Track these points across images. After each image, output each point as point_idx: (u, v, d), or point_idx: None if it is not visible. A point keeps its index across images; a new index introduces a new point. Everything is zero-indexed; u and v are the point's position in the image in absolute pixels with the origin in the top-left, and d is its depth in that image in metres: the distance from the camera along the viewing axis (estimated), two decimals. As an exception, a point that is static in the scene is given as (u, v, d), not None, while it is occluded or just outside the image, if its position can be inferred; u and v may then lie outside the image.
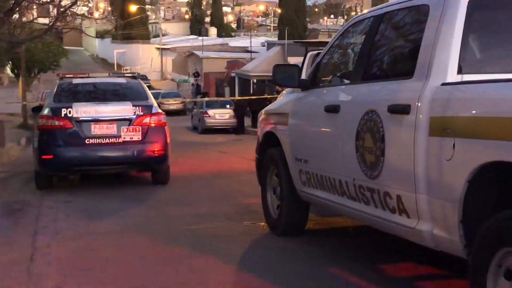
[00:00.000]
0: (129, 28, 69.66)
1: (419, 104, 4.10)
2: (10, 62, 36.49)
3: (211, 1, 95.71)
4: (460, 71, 4.07)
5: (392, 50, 5.03)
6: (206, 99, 34.92)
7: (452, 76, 4.05)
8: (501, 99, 3.54)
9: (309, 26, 59.86)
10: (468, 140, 3.66)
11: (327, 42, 6.58)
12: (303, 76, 6.70)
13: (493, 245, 3.47)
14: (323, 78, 5.95)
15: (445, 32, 4.13)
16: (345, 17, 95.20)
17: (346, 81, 5.53)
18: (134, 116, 10.15)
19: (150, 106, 10.44)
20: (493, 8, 4.20)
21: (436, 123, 3.93)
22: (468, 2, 4.11)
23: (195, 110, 33.42)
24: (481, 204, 3.69)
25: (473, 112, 3.70)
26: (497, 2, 4.21)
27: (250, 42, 52.52)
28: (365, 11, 6.37)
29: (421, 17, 4.44)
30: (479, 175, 3.60)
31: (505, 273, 3.44)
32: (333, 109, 5.27)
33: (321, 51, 6.40)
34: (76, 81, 11.34)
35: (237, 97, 33.75)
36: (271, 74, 6.44)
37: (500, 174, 3.52)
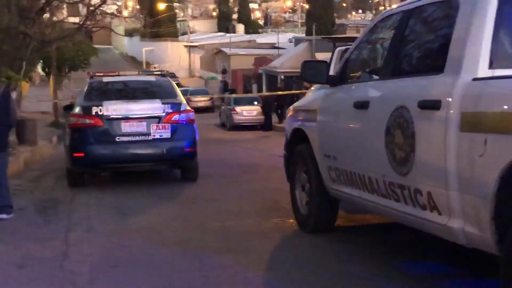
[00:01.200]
0: (158, 26, 70.06)
1: (450, 99, 4.05)
2: (41, 61, 36.90)
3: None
4: (491, 65, 4.01)
5: (422, 45, 4.98)
6: (234, 95, 34.96)
7: (483, 71, 4.00)
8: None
9: (337, 21, 59.47)
10: (500, 136, 3.60)
11: (355, 38, 6.54)
12: (332, 72, 6.67)
13: (526, 242, 3.43)
14: (351, 74, 5.91)
15: (476, 26, 4.08)
16: (374, 11, 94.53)
17: (376, 77, 5.49)
18: (164, 114, 10.21)
19: (179, 104, 10.51)
20: (525, 1, 4.13)
21: (467, 118, 3.88)
22: (499, -4, 4.05)
23: (223, 107, 33.52)
24: (514, 201, 3.63)
25: (505, 107, 3.64)
26: None
27: (278, 39, 52.43)
28: (394, 6, 6.32)
29: (451, 11, 4.38)
30: (511, 171, 3.54)
31: (539, 270, 3.40)
32: (362, 105, 5.23)
33: (350, 46, 6.37)
34: (106, 79, 11.46)
35: (264, 93, 33.73)
36: (298, 70, 6.43)
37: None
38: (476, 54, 4.03)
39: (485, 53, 4.01)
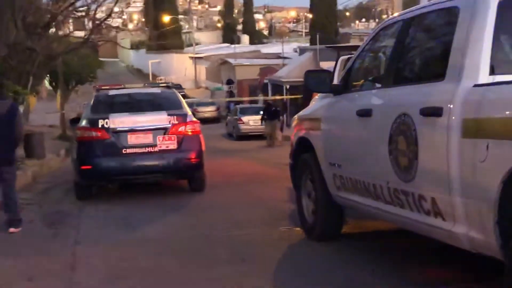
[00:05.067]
0: (163, 38, 70.08)
1: (452, 106, 4.06)
2: (48, 75, 36.98)
3: (242, 9, 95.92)
4: (492, 72, 4.02)
5: (423, 52, 5.01)
6: (240, 105, 34.96)
7: (484, 77, 4.01)
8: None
9: (341, 30, 59.60)
10: (502, 141, 3.61)
11: (358, 46, 6.56)
12: (335, 81, 6.69)
13: (530, 247, 3.43)
14: (354, 83, 5.93)
15: (476, 33, 4.09)
16: (376, 20, 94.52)
17: (378, 85, 5.52)
18: (170, 125, 10.23)
19: (185, 115, 10.52)
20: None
21: (469, 125, 3.89)
22: (498, 3, 4.07)
23: (229, 117, 33.57)
24: (517, 205, 3.64)
25: (507, 113, 3.65)
26: None
27: (282, 49, 52.42)
28: (395, 14, 6.33)
29: (451, 19, 4.40)
30: (514, 176, 3.55)
31: (544, 274, 3.39)
32: (365, 113, 5.25)
33: (353, 55, 6.38)
34: (112, 92, 11.48)
35: (267, 98, 33.72)
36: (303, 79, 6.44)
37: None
38: (477, 61, 4.05)
39: (486, 59, 4.03)
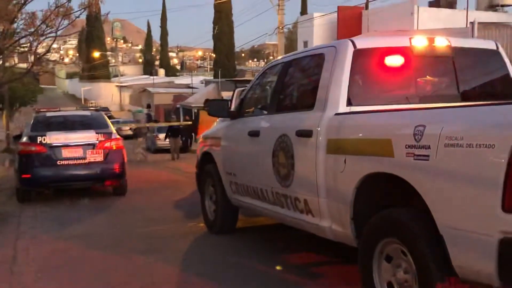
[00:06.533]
0: (93, 70, 68.19)
1: (319, 129, 4.18)
2: (-5, 98, 35.16)
3: (159, 48, 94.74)
4: (349, 103, 4.17)
5: (298, 88, 5.12)
6: (157, 125, 34.40)
7: (343, 107, 4.15)
8: (376, 125, 3.67)
9: (238, 67, 60.08)
10: (355, 157, 3.75)
11: (251, 80, 6.62)
12: (232, 108, 6.72)
13: (376, 237, 3.57)
14: (247, 110, 5.97)
15: (337, 75, 4.24)
16: (265, 60, 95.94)
17: (265, 112, 5.56)
18: (97, 141, 9.95)
19: (110, 133, 10.25)
20: (371, 56, 4.33)
21: (332, 143, 4.02)
22: (353, 52, 4.24)
23: (148, 134, 32.93)
24: (366, 205, 3.78)
25: (359, 135, 3.80)
26: (373, 52, 4.35)
27: (191, 80, 52.24)
28: (278, 57, 6.45)
29: (319, 63, 4.53)
30: (364, 183, 3.70)
31: (386, 257, 3.55)
32: (254, 133, 5.30)
33: (246, 88, 6.43)
34: (49, 114, 11.10)
35: (176, 123, 33.46)
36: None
37: (379, 182, 3.63)
38: (337, 95, 4.19)
39: (344, 94, 4.17)
